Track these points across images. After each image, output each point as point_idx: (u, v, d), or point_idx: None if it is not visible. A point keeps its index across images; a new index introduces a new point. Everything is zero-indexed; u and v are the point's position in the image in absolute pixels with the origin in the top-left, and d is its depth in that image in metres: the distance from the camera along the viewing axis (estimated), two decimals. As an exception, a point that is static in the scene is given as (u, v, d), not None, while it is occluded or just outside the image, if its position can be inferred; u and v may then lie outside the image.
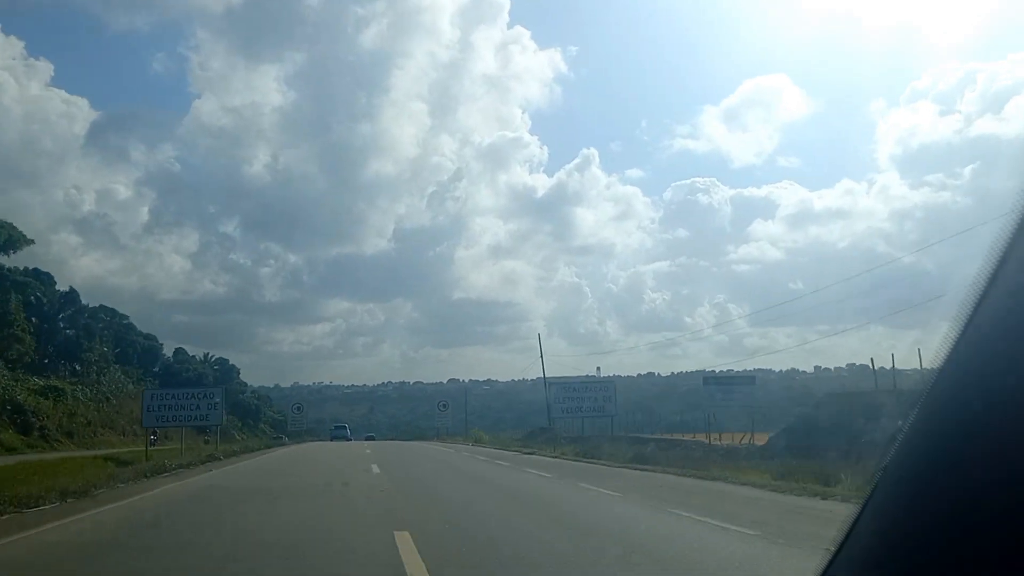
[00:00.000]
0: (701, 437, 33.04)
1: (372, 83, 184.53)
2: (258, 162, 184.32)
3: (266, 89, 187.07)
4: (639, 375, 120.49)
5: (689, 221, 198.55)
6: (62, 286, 60.71)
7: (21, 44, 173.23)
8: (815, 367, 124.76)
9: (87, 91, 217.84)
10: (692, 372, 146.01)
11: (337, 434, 67.21)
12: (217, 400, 32.76)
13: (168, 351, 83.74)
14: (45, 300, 54.60)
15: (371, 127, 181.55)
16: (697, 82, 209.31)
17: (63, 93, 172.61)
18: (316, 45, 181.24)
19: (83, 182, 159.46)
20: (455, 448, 39.23)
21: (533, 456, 30.01)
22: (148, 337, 79.11)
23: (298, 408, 74.10)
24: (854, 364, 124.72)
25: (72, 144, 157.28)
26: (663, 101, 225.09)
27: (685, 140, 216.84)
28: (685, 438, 34.04)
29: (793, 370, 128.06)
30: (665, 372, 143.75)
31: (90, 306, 65.55)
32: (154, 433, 47.94)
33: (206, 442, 41.80)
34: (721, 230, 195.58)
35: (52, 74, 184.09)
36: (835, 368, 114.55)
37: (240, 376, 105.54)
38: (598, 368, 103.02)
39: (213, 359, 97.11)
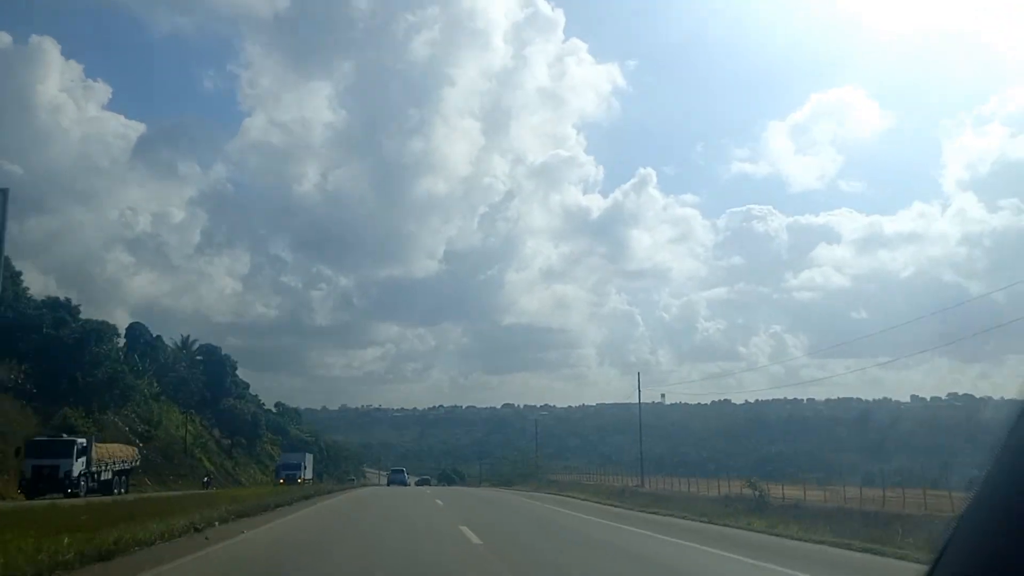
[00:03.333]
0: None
1: (423, 98, 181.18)
2: (308, 181, 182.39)
3: (316, 105, 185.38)
4: (712, 403, 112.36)
5: (745, 248, 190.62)
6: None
7: (80, 67, 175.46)
8: (883, 397, 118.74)
9: (143, 114, 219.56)
10: (769, 401, 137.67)
11: (395, 479, 64.96)
12: None
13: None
14: None
15: (422, 144, 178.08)
16: (763, 96, 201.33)
17: (120, 118, 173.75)
18: (366, 53, 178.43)
19: (135, 201, 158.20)
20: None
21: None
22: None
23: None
24: (955, 393, 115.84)
25: (123, 162, 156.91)
26: (725, 116, 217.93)
27: (743, 163, 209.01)
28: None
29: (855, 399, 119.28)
30: (733, 401, 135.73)
31: None
32: None
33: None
34: (778, 257, 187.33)
35: (110, 96, 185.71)
36: (911, 398, 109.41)
37: (237, 373, 77.73)
38: (663, 395, 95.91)
39: (195, 345, 74.39)
